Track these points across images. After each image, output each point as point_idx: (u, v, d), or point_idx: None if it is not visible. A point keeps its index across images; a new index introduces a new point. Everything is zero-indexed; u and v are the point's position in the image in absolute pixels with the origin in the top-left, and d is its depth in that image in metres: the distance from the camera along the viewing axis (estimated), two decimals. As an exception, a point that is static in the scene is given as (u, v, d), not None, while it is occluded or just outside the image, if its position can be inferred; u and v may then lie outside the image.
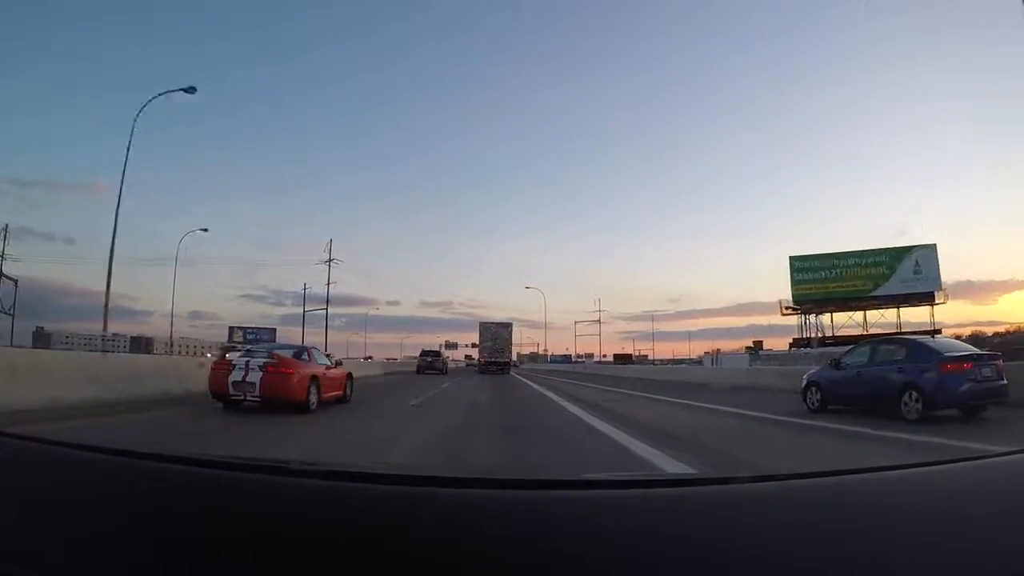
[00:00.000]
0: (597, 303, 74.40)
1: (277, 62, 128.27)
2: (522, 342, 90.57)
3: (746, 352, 52.04)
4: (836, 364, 9.68)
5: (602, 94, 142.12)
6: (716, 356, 53.58)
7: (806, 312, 44.88)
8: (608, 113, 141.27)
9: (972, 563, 0.62)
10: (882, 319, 43.52)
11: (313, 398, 8.84)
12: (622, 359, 76.39)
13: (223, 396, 8.56)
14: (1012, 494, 0.78)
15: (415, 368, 33.37)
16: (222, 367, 8.82)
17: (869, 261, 42.84)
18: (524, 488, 0.80)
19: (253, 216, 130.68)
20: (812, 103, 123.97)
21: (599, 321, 66.83)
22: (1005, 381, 8.11)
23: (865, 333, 39.54)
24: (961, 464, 0.89)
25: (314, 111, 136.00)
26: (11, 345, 26.73)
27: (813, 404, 9.72)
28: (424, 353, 35.94)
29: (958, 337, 27.71)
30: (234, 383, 8.38)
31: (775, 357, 43.37)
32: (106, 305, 19.21)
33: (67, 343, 70.38)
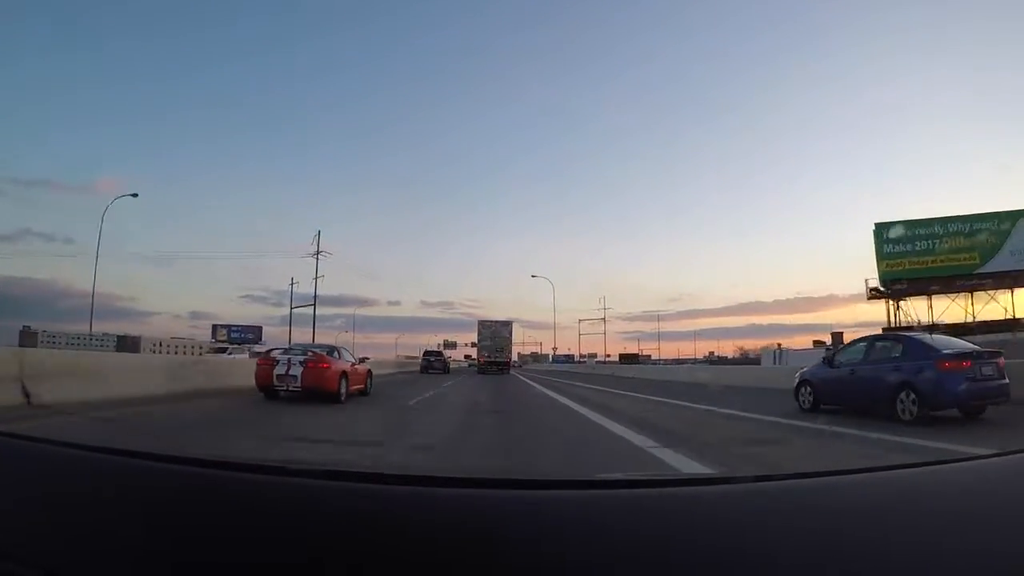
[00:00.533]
0: (602, 301, 72.24)
1: (275, 63, 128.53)
2: (524, 341, 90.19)
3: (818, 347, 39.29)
4: (829, 362, 9.27)
5: (602, 94, 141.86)
6: (779, 353, 43.87)
7: (896, 296, 33.98)
8: (609, 113, 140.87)
9: (972, 563, 0.62)
10: (989, 306, 32.43)
11: (343, 390, 10.22)
12: (628, 359, 75.42)
13: (267, 387, 9.99)
14: (1011, 494, 0.77)
15: (419, 368, 35.06)
16: (267, 363, 10.25)
17: (974, 228, 32.35)
18: (524, 488, 0.79)
19: (250, 214, 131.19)
20: (812, 104, 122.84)
21: (604, 319, 65.64)
22: (1007, 380, 7.68)
23: (971, 321, 31.62)
24: (961, 464, 0.89)
25: (311, 107, 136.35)
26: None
27: (806, 404, 9.34)
28: (427, 353, 37.99)
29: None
30: (278, 376, 9.85)
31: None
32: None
33: (53, 342, 70.86)
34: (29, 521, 0.71)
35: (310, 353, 10.49)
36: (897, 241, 33.78)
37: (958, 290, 32.94)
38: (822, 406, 9.06)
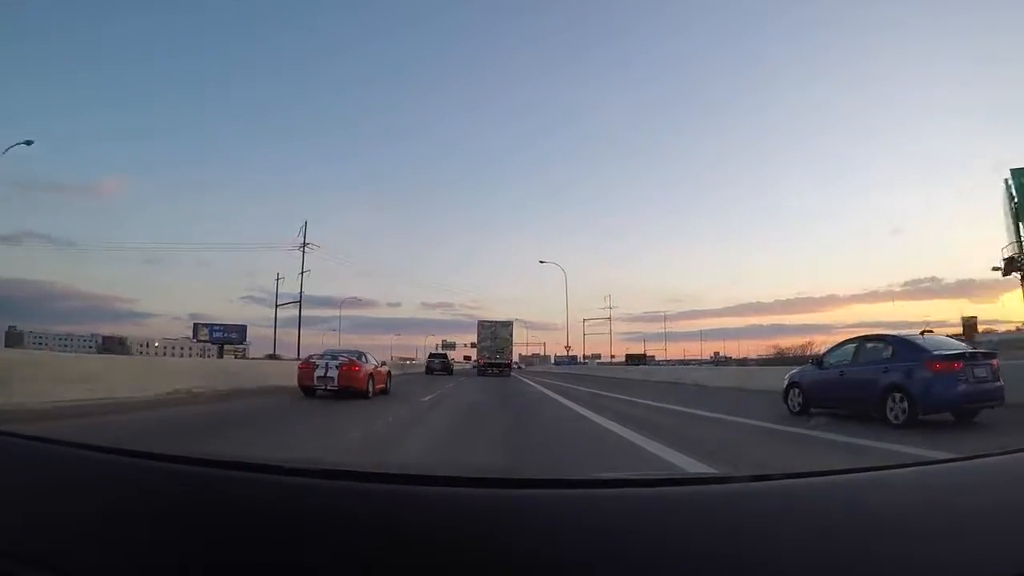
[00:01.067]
0: (607, 299, 70.50)
1: (276, 61, 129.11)
2: (529, 341, 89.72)
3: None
4: (819, 363, 9.01)
5: (602, 94, 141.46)
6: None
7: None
8: (608, 113, 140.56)
9: (971, 562, 0.62)
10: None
11: (371, 389, 12.34)
12: (635, 359, 74.40)
13: (308, 386, 12.03)
14: (1011, 493, 0.77)
15: (417, 369, 38.54)
16: (308, 367, 12.37)
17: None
18: (522, 487, 0.78)
19: (249, 215, 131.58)
20: (815, 103, 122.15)
21: (609, 318, 64.45)
22: (1001, 383, 7.40)
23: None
24: (960, 463, 0.88)
25: (310, 107, 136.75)
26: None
27: (795, 406, 9.09)
28: (432, 356, 40.85)
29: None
30: (318, 377, 11.86)
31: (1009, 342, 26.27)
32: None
33: (40, 343, 71.78)
34: (29, 521, 0.71)
35: (343, 358, 12.36)
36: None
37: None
38: (812, 409, 8.82)
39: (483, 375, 33.64)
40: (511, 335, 39.00)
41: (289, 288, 44.26)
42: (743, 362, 60.78)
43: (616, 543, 0.59)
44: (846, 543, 0.61)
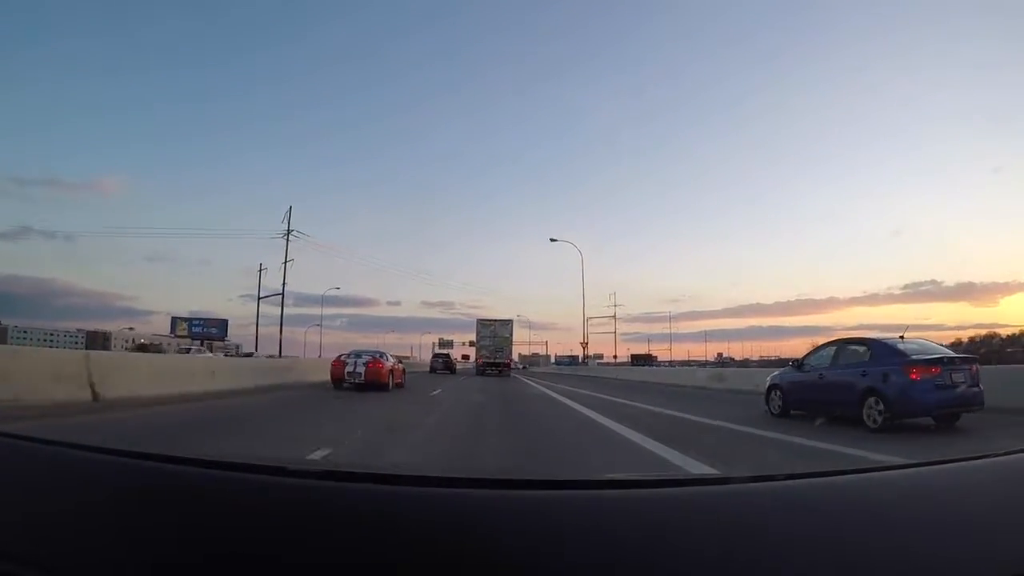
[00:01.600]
0: (612, 297, 68.57)
1: (275, 63, 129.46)
2: (531, 341, 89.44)
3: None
4: (799, 366, 8.94)
5: (601, 94, 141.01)
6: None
7: None
8: (608, 113, 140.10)
9: (972, 562, 0.61)
10: None
11: (391, 383, 14.79)
12: (641, 359, 73.37)
13: (339, 380, 14.26)
14: (1011, 493, 0.77)
15: (428, 368, 39.57)
16: (340, 364, 14.50)
17: None
18: (522, 488, 0.79)
19: (249, 216, 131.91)
20: (815, 104, 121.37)
21: (614, 316, 63.28)
22: (981, 388, 7.31)
23: None
24: (960, 464, 0.87)
25: (308, 107, 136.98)
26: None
27: (775, 409, 9.04)
28: (436, 356, 43.43)
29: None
30: (348, 372, 14.15)
31: None
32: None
33: (24, 338, 72.25)
34: (28, 521, 0.71)
35: (367, 356, 14.64)
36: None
37: None
38: (792, 412, 8.77)
39: (482, 375, 33.16)
40: (511, 334, 38.37)
41: (289, 287, 43.62)
42: (744, 363, 60.50)
43: (617, 544, 0.60)
44: (846, 543, 0.62)
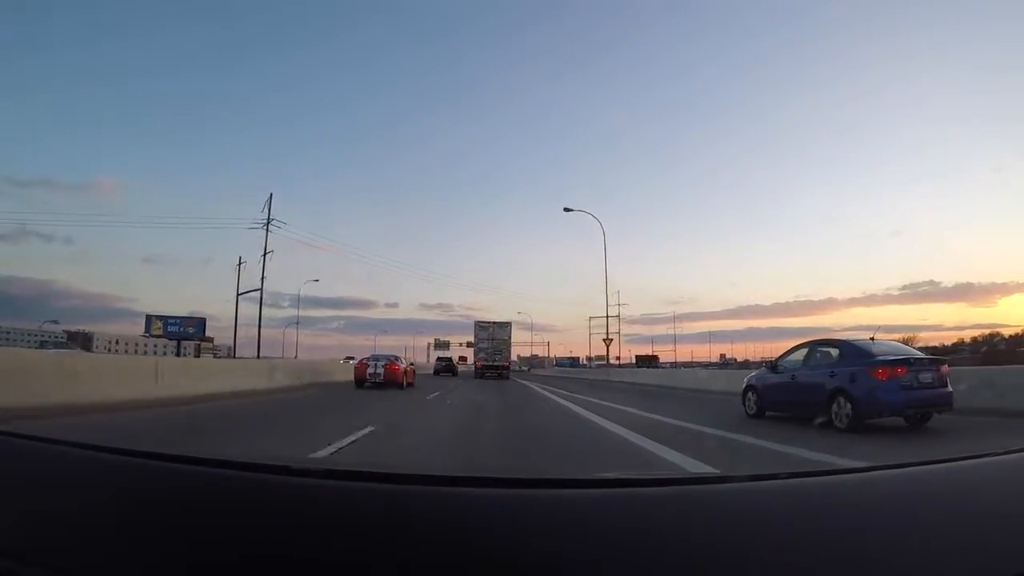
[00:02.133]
0: (616, 296, 67.37)
1: (276, 63, 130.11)
2: (532, 342, 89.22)
3: None
4: (773, 367, 9.02)
5: (601, 95, 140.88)
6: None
7: None
8: (608, 114, 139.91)
9: (971, 562, 0.61)
10: None
11: (405, 382, 17.81)
12: (646, 360, 72.55)
13: (361, 380, 17.23)
14: (1011, 493, 0.77)
15: (432, 371, 40.49)
16: (362, 366, 17.65)
17: None
18: (523, 487, 0.79)
19: (247, 215, 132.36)
20: (814, 106, 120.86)
21: (619, 316, 62.21)
22: (950, 389, 7.38)
23: None
24: (960, 463, 0.87)
25: (308, 106, 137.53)
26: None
27: (751, 410, 9.13)
28: (440, 359, 45.95)
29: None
30: (369, 373, 17.22)
31: None
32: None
33: (6, 339, 72.08)
34: (30, 520, 0.71)
35: (384, 360, 17.82)
36: None
37: None
38: (767, 413, 8.85)
39: (481, 378, 32.61)
40: (510, 336, 37.69)
41: (289, 288, 43.77)
42: (745, 364, 60.33)
43: (617, 543, 0.60)
44: (846, 543, 0.62)
